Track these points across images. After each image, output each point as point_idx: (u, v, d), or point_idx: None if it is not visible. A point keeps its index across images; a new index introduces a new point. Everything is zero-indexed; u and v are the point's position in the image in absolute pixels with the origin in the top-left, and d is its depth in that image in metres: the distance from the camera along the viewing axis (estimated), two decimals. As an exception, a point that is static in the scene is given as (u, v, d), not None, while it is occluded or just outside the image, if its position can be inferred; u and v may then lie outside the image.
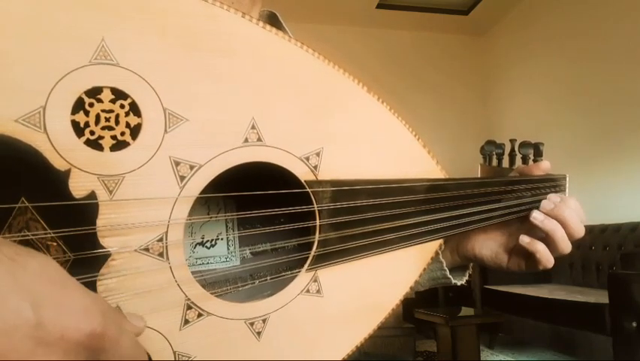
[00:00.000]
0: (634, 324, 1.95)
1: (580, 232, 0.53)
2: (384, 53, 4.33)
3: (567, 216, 0.52)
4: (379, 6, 4.03)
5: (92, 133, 0.31)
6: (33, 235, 0.29)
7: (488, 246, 0.57)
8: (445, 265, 0.59)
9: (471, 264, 0.63)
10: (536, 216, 0.52)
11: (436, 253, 0.54)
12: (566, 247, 0.52)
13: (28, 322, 0.22)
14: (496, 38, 4.48)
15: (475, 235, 0.58)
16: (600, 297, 2.29)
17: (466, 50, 4.63)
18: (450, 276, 0.60)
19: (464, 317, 2.52)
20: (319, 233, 0.43)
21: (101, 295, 0.31)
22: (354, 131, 0.45)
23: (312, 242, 0.43)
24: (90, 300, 0.25)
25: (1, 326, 0.21)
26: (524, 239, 0.52)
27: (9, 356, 0.21)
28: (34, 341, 0.22)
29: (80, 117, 0.31)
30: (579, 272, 2.97)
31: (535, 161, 0.62)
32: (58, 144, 0.30)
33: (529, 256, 0.54)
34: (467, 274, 0.62)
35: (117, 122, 0.32)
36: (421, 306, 2.83)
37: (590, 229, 2.95)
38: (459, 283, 0.61)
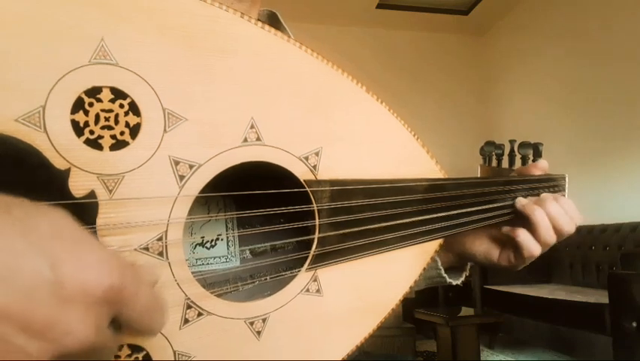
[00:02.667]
0: (634, 324, 1.94)
1: (563, 224, 0.52)
2: (384, 53, 4.32)
3: (549, 206, 0.52)
4: (379, 6, 4.02)
5: (92, 133, 0.31)
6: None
7: (480, 242, 0.58)
8: (439, 263, 0.59)
9: (468, 264, 0.63)
10: (519, 199, 0.54)
11: (436, 253, 0.54)
12: (547, 233, 0.52)
13: (47, 280, 0.21)
14: (496, 38, 4.47)
15: (466, 233, 0.58)
16: (600, 297, 2.29)
17: (466, 50, 4.63)
18: (445, 275, 0.60)
19: (464, 317, 2.52)
20: (319, 232, 0.43)
21: None
22: (353, 131, 0.46)
23: (312, 242, 0.43)
24: (106, 254, 0.25)
25: (21, 287, 0.21)
26: (505, 228, 0.54)
27: (35, 316, 0.21)
28: (55, 299, 0.22)
29: (80, 117, 0.31)
30: (579, 272, 2.97)
31: (534, 161, 0.62)
32: (58, 144, 0.30)
33: (516, 247, 0.54)
34: (464, 275, 0.62)
35: (117, 122, 0.32)
36: (421, 306, 2.83)
37: (590, 229, 2.96)
38: (454, 283, 0.61)
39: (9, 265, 0.21)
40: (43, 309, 0.21)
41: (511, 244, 0.55)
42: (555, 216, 0.52)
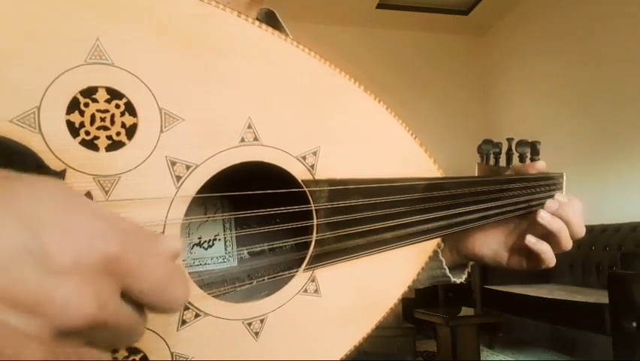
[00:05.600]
0: (634, 324, 1.94)
1: (581, 232, 0.54)
2: (384, 53, 4.32)
3: (571, 216, 0.53)
4: (379, 6, 4.02)
5: (88, 133, 0.31)
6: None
7: (488, 245, 0.58)
8: (444, 263, 0.59)
9: (470, 262, 0.63)
10: (544, 216, 0.53)
11: (435, 252, 0.54)
12: (568, 245, 0.53)
13: (29, 251, 0.19)
14: (496, 38, 4.47)
15: (474, 234, 0.58)
16: (600, 297, 2.28)
17: (466, 50, 4.63)
18: (449, 275, 0.60)
19: (464, 317, 2.53)
20: (316, 233, 0.43)
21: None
22: (351, 131, 0.45)
23: (310, 242, 0.43)
24: (102, 221, 0.22)
25: (1, 260, 0.18)
26: (530, 239, 0.53)
27: (21, 291, 0.19)
28: (42, 271, 0.19)
29: (75, 117, 0.31)
30: (579, 272, 2.97)
31: (532, 160, 0.62)
32: (54, 145, 0.30)
33: (531, 255, 0.54)
34: (466, 273, 0.63)
35: (113, 122, 0.32)
36: (421, 306, 2.83)
37: (590, 229, 2.95)
38: (458, 282, 0.62)
39: None
40: (29, 283, 0.19)
41: (524, 251, 0.55)
42: (575, 228, 0.53)
